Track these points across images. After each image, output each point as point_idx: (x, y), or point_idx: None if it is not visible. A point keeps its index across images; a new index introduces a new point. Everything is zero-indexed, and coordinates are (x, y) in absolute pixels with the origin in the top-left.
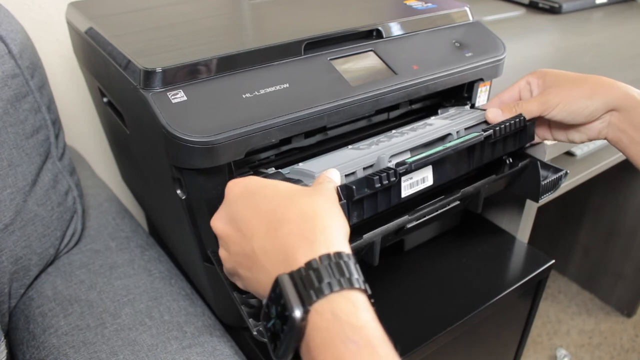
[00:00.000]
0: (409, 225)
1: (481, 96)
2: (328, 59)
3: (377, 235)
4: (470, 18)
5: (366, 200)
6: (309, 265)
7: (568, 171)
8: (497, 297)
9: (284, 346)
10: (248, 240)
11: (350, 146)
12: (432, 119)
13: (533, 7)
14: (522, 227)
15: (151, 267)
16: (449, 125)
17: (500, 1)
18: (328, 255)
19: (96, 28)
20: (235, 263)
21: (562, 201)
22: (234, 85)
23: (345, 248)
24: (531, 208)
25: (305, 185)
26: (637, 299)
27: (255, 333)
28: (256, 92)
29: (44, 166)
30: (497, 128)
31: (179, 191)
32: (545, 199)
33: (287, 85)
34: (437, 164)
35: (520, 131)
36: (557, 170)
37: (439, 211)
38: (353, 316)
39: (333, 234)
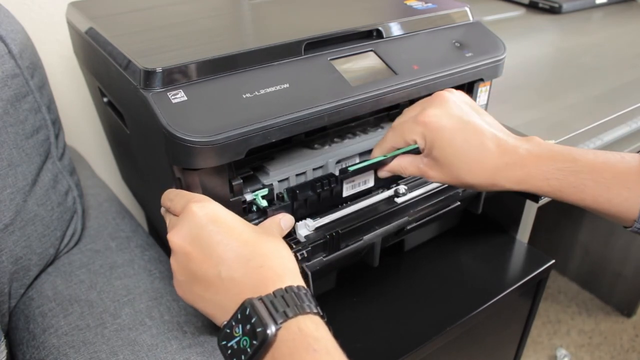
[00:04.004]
0: (409, 227)
1: (481, 96)
2: (328, 59)
3: (378, 237)
4: (471, 18)
5: (310, 200)
6: (277, 292)
7: None
8: (497, 297)
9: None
10: (214, 264)
11: (316, 145)
12: (386, 123)
13: (533, 7)
14: (522, 227)
15: (151, 267)
16: None
17: (500, 1)
18: (294, 287)
19: (96, 28)
20: (189, 279)
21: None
22: (234, 85)
23: (304, 285)
24: (531, 208)
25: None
26: (637, 299)
27: None
28: (256, 92)
29: (44, 166)
30: None
31: None
32: (545, 198)
33: (287, 85)
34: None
35: None
36: None
37: (439, 212)
38: (315, 331)
39: (296, 274)
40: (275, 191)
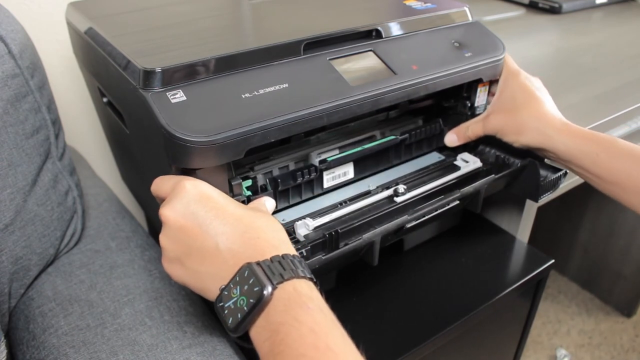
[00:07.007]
0: (409, 225)
1: (480, 96)
2: (327, 59)
3: (377, 235)
4: (470, 18)
5: (291, 190)
6: (274, 258)
7: (567, 171)
8: (497, 297)
9: (248, 318)
10: (211, 236)
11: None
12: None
13: (533, 7)
14: (522, 227)
15: (151, 267)
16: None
17: (500, 1)
18: (289, 255)
19: (96, 28)
20: (182, 254)
21: (562, 201)
22: (233, 85)
23: (298, 254)
24: (531, 208)
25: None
26: (637, 299)
27: None
28: (255, 92)
29: (44, 166)
30: (413, 132)
31: None
32: (545, 198)
33: (287, 85)
34: (357, 160)
35: (438, 134)
36: (556, 170)
37: (439, 211)
38: (308, 291)
39: (290, 245)
40: (259, 183)
